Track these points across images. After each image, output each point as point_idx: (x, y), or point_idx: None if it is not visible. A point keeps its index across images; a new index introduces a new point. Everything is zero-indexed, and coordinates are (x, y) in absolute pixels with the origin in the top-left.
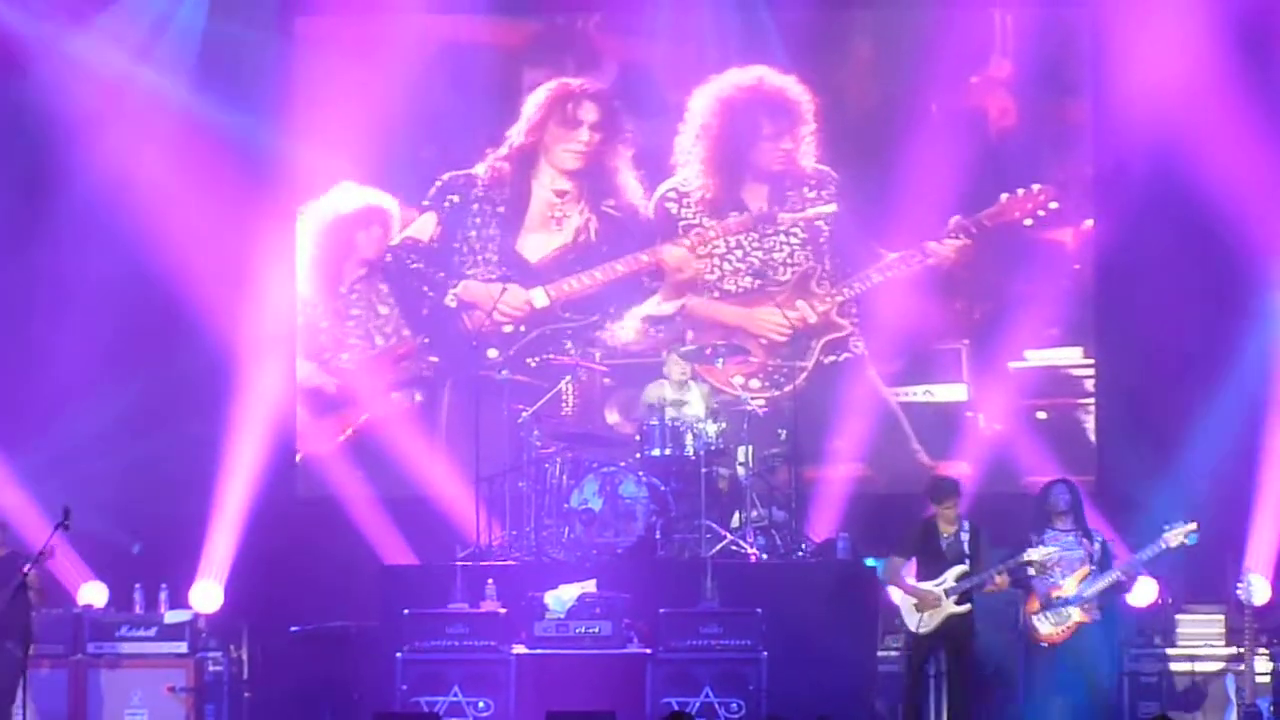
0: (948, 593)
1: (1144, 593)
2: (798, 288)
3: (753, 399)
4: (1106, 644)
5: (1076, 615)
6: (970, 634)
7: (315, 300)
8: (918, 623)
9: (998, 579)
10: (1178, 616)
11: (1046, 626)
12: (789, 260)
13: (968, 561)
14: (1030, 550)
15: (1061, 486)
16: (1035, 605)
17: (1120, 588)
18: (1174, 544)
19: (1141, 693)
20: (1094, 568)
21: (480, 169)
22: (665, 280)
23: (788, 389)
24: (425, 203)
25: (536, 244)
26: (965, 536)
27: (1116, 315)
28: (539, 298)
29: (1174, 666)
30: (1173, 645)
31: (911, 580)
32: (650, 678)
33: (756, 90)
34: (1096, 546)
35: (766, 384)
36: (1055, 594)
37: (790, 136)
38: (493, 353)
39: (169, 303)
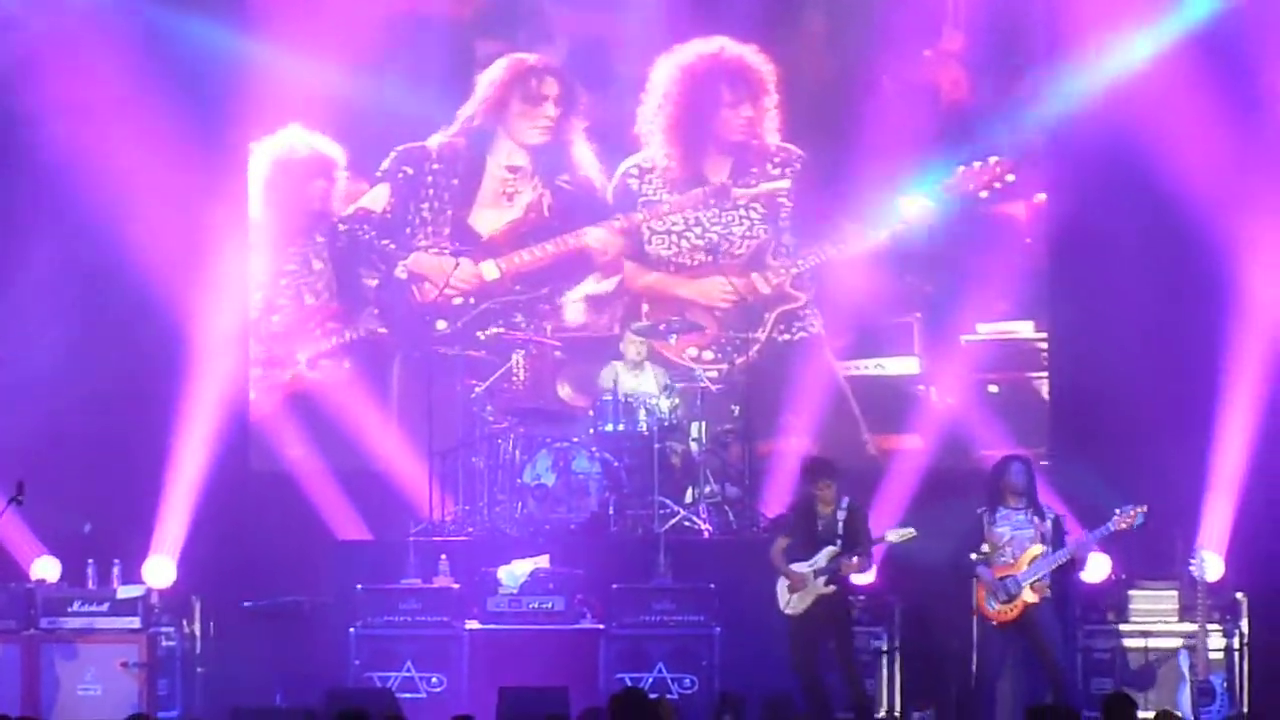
0: (816, 574)
1: (1097, 569)
2: (753, 261)
3: (705, 371)
4: (1058, 623)
5: (1027, 595)
6: (844, 615)
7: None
8: (786, 603)
9: (844, 564)
10: (1131, 593)
11: (996, 605)
12: (748, 234)
13: (839, 543)
14: (888, 532)
15: (1017, 464)
16: (985, 585)
17: (1071, 566)
18: (1123, 526)
19: (1095, 669)
20: (1046, 547)
21: (434, 142)
22: (594, 261)
23: (740, 361)
24: (379, 174)
25: (488, 219)
26: (842, 516)
27: (1069, 289)
28: (489, 270)
29: (1127, 643)
30: (1126, 621)
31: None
32: (603, 653)
33: (718, 59)
34: (1049, 524)
35: (719, 356)
36: (1005, 573)
37: (752, 105)
38: (442, 324)
39: (122, 281)
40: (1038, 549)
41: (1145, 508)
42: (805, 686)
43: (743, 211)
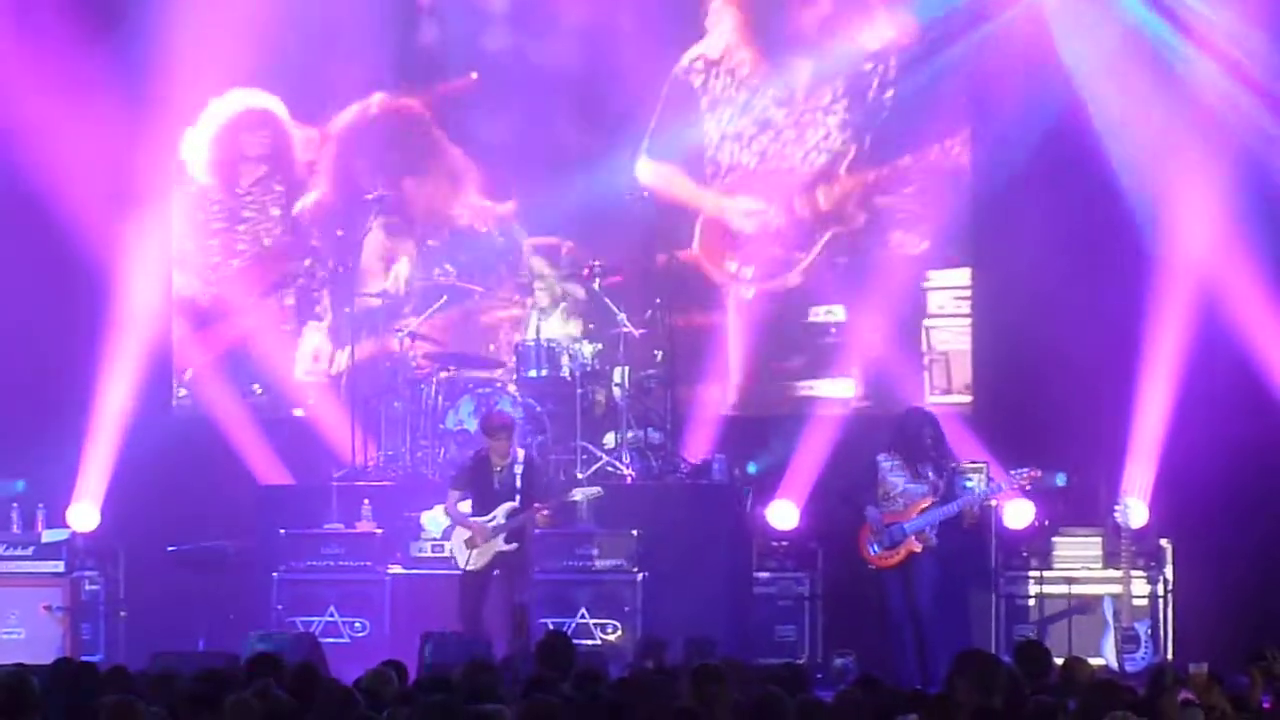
0: (495, 530)
1: (1020, 515)
2: (822, 174)
3: (740, 289)
4: (937, 578)
5: (910, 544)
6: (521, 572)
7: (210, 205)
8: (466, 559)
9: (538, 517)
10: (1054, 539)
11: (877, 549)
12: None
13: (518, 498)
14: (575, 490)
15: (928, 429)
16: (871, 529)
17: (959, 520)
18: (1016, 488)
19: (1017, 616)
20: (936, 499)
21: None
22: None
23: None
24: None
25: None
26: (519, 470)
27: (992, 239)
28: None
29: (1050, 590)
30: (1049, 568)
31: (468, 514)
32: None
33: None
34: (944, 478)
35: (759, 274)
36: (893, 520)
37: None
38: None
39: (42, 220)
40: (927, 501)
41: (1039, 472)
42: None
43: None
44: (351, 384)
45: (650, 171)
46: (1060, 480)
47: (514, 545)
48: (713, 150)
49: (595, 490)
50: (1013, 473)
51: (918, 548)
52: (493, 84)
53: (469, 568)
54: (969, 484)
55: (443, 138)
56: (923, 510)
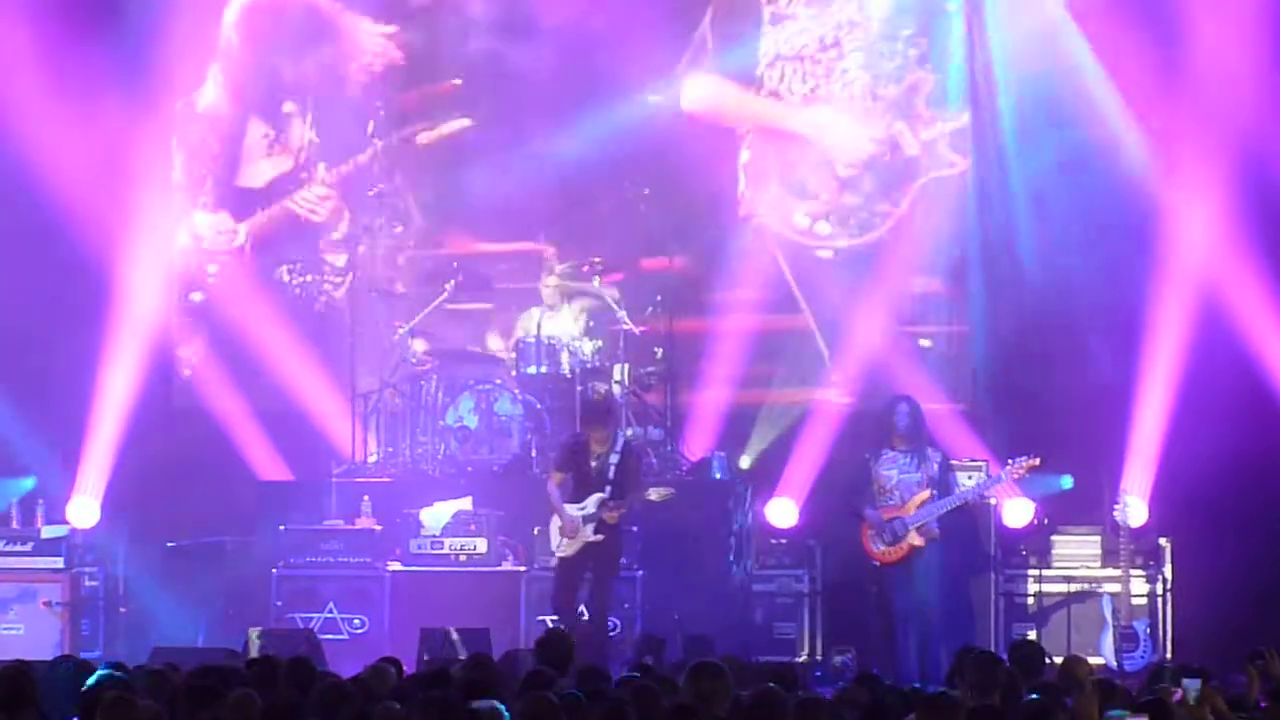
0: (585, 519)
1: (1019, 513)
2: (900, 106)
3: (820, 249)
4: (942, 571)
5: (913, 538)
6: (610, 564)
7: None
8: (557, 545)
9: (606, 514)
10: (1053, 537)
11: (881, 546)
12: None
13: (609, 489)
14: (650, 490)
15: (903, 405)
16: (871, 526)
17: (961, 512)
18: (1014, 477)
19: (1016, 614)
20: (934, 491)
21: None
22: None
23: (866, 238)
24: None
25: None
26: (614, 460)
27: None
28: None
29: (1049, 588)
30: (1048, 566)
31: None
32: (525, 595)
33: None
34: (935, 467)
35: (839, 230)
36: (893, 515)
37: None
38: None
39: (41, 216)
40: (925, 494)
41: (1038, 460)
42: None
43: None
44: (351, 379)
45: (700, 89)
46: (1066, 483)
47: (600, 536)
48: (766, 68)
49: (668, 490)
50: (1010, 462)
51: (920, 542)
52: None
53: (561, 554)
54: (968, 481)
55: None
56: (922, 503)
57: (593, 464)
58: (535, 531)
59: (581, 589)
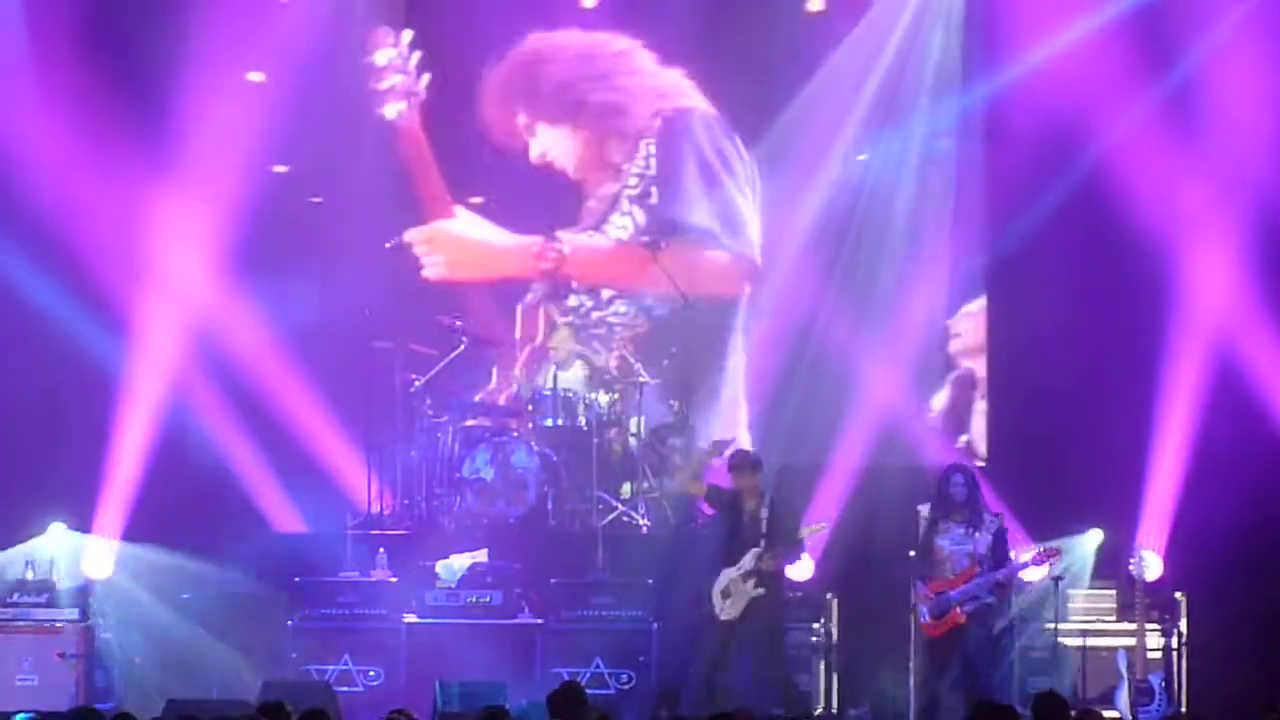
0: (745, 577)
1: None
2: None
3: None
4: (987, 643)
5: (956, 615)
6: (777, 619)
7: None
8: (721, 609)
9: (763, 565)
10: (1070, 592)
11: (929, 619)
12: None
13: (763, 542)
14: (802, 529)
15: (958, 476)
16: (920, 598)
17: (1001, 588)
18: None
19: (1032, 669)
20: (980, 569)
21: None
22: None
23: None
24: None
25: None
26: (765, 514)
27: (1005, 291)
28: None
29: (1065, 642)
30: (1064, 621)
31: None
32: (541, 648)
33: None
34: (990, 537)
35: None
36: (941, 589)
37: None
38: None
39: (63, 271)
40: (974, 570)
41: (1059, 551)
42: (707, 689)
43: None
44: (367, 431)
45: None
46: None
47: (762, 590)
48: None
49: (820, 526)
50: (1041, 548)
51: (962, 619)
52: None
53: (724, 617)
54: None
55: None
56: (970, 578)
57: (744, 519)
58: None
59: (741, 649)
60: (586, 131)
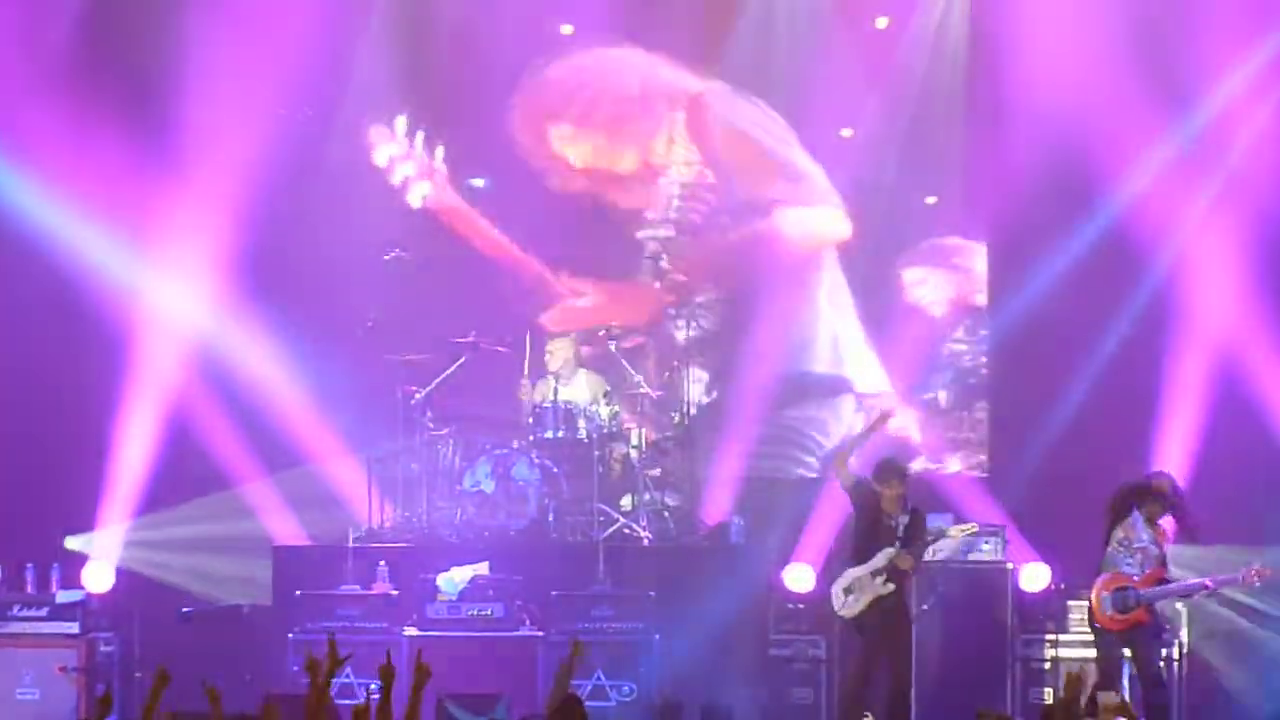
0: (874, 574)
1: (1036, 577)
2: None
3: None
4: (1157, 648)
5: (1139, 614)
6: (900, 616)
7: None
8: (843, 604)
9: (895, 560)
10: (1069, 602)
11: (1110, 611)
12: None
13: (899, 544)
14: (950, 527)
15: (1165, 476)
16: (1107, 583)
17: (1190, 593)
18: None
19: (1032, 679)
20: (1177, 571)
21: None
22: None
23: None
24: None
25: None
26: (904, 521)
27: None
28: None
29: (1065, 653)
30: (1065, 631)
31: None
32: (542, 660)
33: None
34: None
35: None
36: (1125, 584)
37: None
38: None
39: (62, 278)
40: (1164, 572)
41: (1270, 570)
42: (847, 691)
43: None
44: (367, 444)
45: None
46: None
47: (891, 587)
48: None
49: (971, 526)
50: (1249, 565)
51: (1145, 619)
52: None
53: (845, 613)
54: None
55: None
56: (1159, 581)
57: (882, 525)
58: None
59: (866, 648)
60: (618, 136)
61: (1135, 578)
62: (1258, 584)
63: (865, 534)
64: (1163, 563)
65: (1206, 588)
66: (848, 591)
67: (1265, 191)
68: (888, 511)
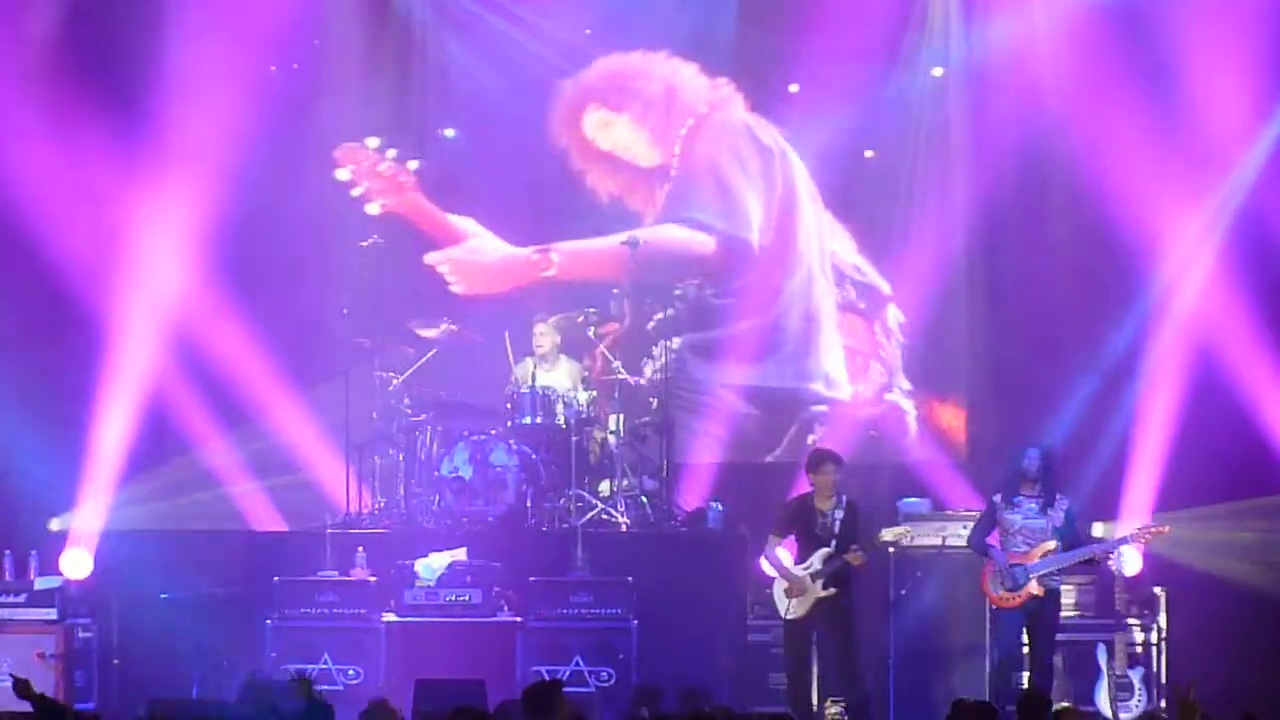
0: (813, 577)
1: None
2: None
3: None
4: (1057, 621)
5: (1032, 586)
6: (845, 617)
7: None
8: (786, 608)
9: (848, 556)
10: None
11: (1000, 590)
12: None
13: (834, 543)
14: (884, 530)
15: (1033, 450)
16: (994, 568)
17: (1091, 564)
18: (1144, 541)
19: (1012, 663)
20: (1059, 542)
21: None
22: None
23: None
24: None
25: None
26: (840, 515)
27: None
28: None
29: None
30: None
31: (787, 562)
32: (520, 646)
33: None
34: (1061, 515)
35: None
36: (1017, 561)
37: None
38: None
39: (43, 276)
40: (1052, 544)
41: (1167, 527)
42: (792, 693)
43: None
44: (346, 431)
45: None
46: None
47: (832, 591)
48: None
49: (904, 530)
50: (1141, 527)
51: (1039, 591)
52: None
53: (790, 617)
54: (1096, 532)
55: None
56: (1047, 553)
57: (818, 520)
58: (531, 580)
59: (812, 651)
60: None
61: (1023, 554)
62: (1150, 540)
63: (806, 537)
64: (1060, 534)
65: (1096, 558)
66: (789, 594)
67: (1256, 192)
68: (820, 509)
